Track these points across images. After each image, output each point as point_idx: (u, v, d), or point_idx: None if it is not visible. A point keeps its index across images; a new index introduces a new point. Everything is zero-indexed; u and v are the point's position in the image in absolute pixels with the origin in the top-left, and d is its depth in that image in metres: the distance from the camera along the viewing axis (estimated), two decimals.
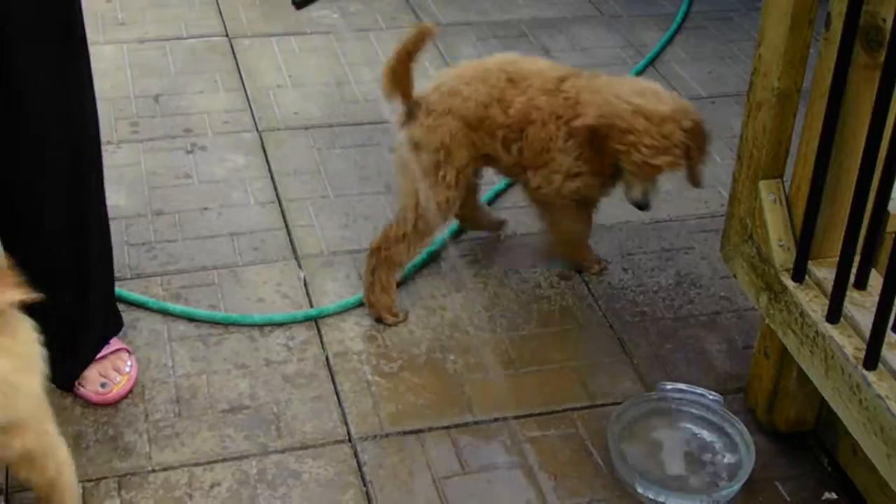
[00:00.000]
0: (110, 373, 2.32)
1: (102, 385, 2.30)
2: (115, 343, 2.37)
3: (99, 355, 2.33)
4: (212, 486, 2.13)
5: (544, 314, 2.60)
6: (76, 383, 2.30)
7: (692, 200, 3.01)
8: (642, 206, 2.46)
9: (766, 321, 2.14)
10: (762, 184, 2.12)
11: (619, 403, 2.33)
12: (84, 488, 2.11)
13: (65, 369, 2.28)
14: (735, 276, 2.23)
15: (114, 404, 2.29)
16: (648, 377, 2.44)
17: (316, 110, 3.36)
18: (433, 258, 2.73)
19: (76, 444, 2.20)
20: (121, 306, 2.45)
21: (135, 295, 2.55)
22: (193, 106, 3.35)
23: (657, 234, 2.88)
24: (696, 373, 2.44)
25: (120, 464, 2.17)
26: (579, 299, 2.64)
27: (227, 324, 2.51)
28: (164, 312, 2.53)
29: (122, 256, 2.68)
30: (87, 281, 2.25)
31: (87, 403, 2.29)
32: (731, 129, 3.28)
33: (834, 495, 2.17)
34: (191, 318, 2.51)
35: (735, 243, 2.21)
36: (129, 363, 2.35)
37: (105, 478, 2.14)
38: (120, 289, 2.51)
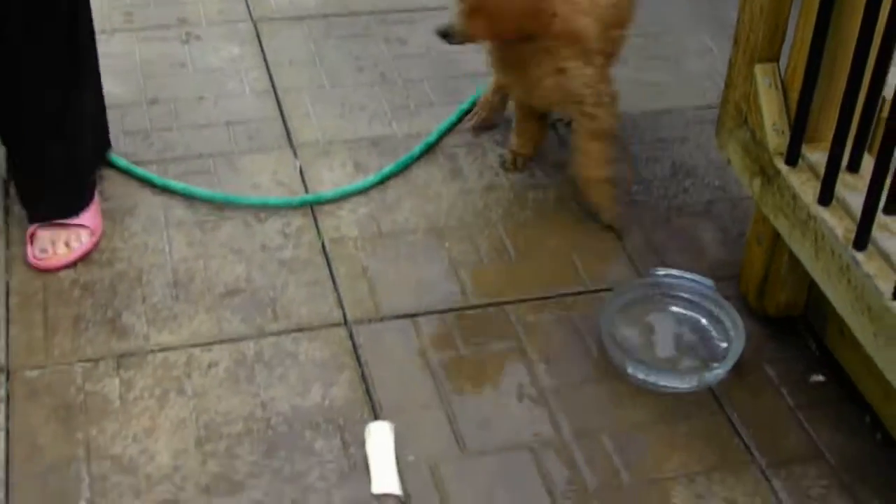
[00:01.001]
0: (58, 243, 2.35)
1: (42, 250, 2.33)
2: (84, 218, 2.39)
3: (60, 221, 2.36)
4: (209, 367, 2.16)
5: (539, 202, 2.61)
6: (28, 237, 2.35)
7: (689, 91, 3.01)
8: (443, 33, 2.34)
9: (759, 206, 2.15)
10: (758, 67, 2.11)
11: (610, 289, 2.35)
12: (83, 368, 2.14)
13: (65, 200, 2.37)
14: (729, 161, 2.24)
15: (49, 272, 2.32)
16: (641, 264, 2.46)
17: (311, 0, 3.33)
18: (430, 148, 2.73)
19: (75, 325, 2.23)
20: (122, 185, 2.51)
21: (140, 170, 2.58)
22: None
23: (653, 124, 2.87)
24: (689, 260, 2.46)
25: (119, 345, 2.20)
26: (574, 188, 2.65)
27: (224, 204, 2.52)
28: (166, 190, 2.55)
29: (119, 144, 2.67)
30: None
31: (87, 286, 2.31)
32: (729, 19, 3.25)
33: (821, 377, 2.21)
34: (191, 196, 2.54)
35: (730, 128, 2.21)
36: (81, 241, 2.37)
37: (104, 358, 2.17)
38: (126, 162, 2.58)
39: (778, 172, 2.04)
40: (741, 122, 2.16)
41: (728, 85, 2.21)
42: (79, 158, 2.41)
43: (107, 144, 2.53)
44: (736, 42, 2.16)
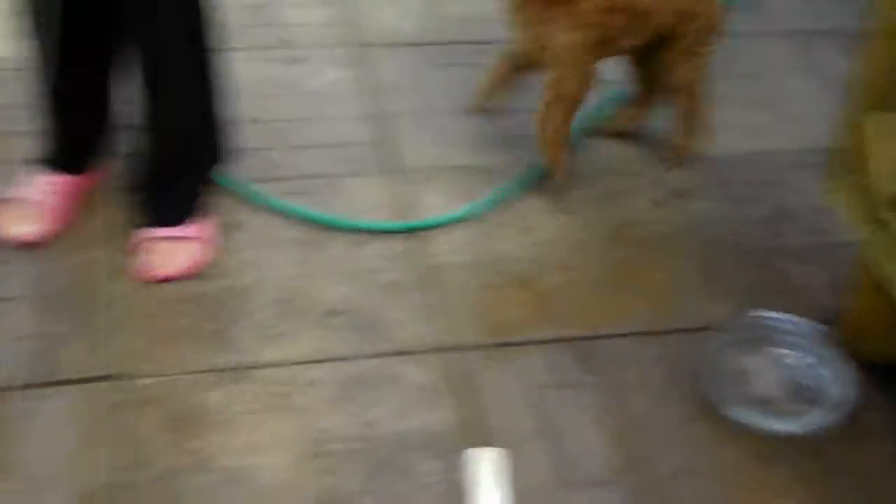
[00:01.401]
0: (166, 254, 2.39)
1: (150, 261, 2.38)
2: (193, 230, 2.45)
3: (173, 234, 2.41)
4: (314, 384, 2.19)
5: (639, 238, 2.63)
6: (137, 247, 2.40)
7: (787, 134, 3.01)
8: None
9: (867, 252, 2.15)
10: (872, 115, 2.11)
11: (710, 329, 2.35)
12: (190, 379, 2.18)
13: (178, 208, 2.45)
14: (837, 207, 2.24)
15: (157, 282, 2.37)
16: (740, 305, 2.45)
17: (412, 28, 3.37)
18: (532, 179, 2.75)
19: (182, 336, 2.27)
20: (229, 201, 2.59)
21: (247, 187, 2.63)
22: (291, 18, 3.38)
23: (753, 165, 2.88)
24: (788, 303, 2.45)
25: (225, 358, 2.24)
26: (674, 226, 2.66)
27: (330, 226, 2.56)
28: (271, 209, 2.60)
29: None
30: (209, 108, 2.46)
31: (193, 299, 2.35)
32: (828, 65, 3.26)
33: None
34: (297, 217, 2.58)
35: (839, 174, 2.21)
36: (189, 253, 2.41)
37: (211, 370, 2.21)
38: (233, 178, 2.65)
39: (890, 220, 2.04)
40: (852, 168, 2.16)
41: (839, 131, 2.21)
42: (196, 167, 2.48)
43: (221, 159, 2.58)
44: (850, 89, 2.16)
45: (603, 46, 2.61)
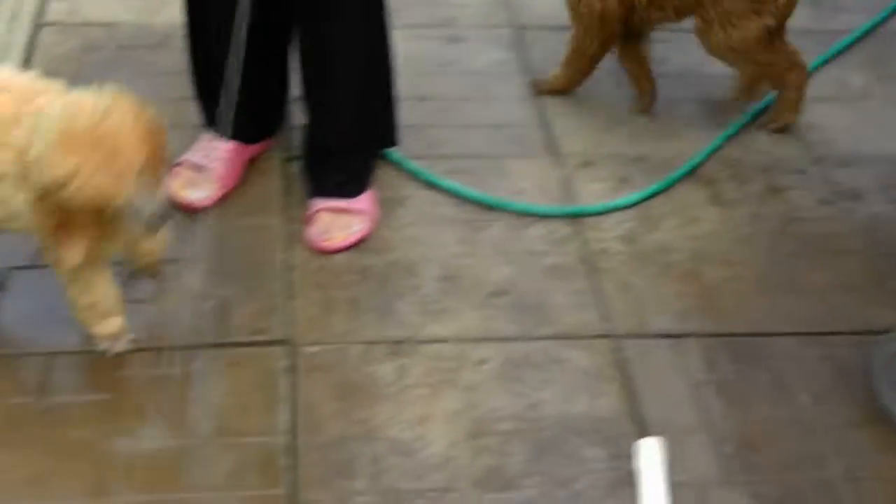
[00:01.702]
0: (337, 226, 2.43)
1: (322, 232, 2.43)
2: (363, 203, 2.48)
3: (342, 206, 2.45)
4: (480, 363, 2.22)
5: (803, 237, 2.59)
6: (309, 218, 2.44)
7: None
8: None
9: None
10: None
11: (876, 333, 2.31)
12: (359, 350, 2.23)
13: (351, 180, 2.51)
14: None
15: (328, 253, 2.41)
16: None
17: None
18: (693, 170, 2.73)
19: (352, 307, 2.31)
20: (394, 176, 2.64)
21: (412, 164, 2.66)
22: None
23: None
24: None
25: (392, 331, 2.27)
26: (839, 226, 2.62)
27: (493, 208, 2.58)
28: (434, 187, 2.63)
29: None
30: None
31: (362, 271, 2.39)
32: None
33: None
34: (459, 196, 2.60)
35: None
36: (359, 226, 2.45)
37: (378, 343, 2.25)
38: (398, 154, 2.68)
39: None
40: None
41: None
42: (371, 142, 2.53)
43: (393, 135, 2.62)
44: None
45: (632, 17, 2.78)
